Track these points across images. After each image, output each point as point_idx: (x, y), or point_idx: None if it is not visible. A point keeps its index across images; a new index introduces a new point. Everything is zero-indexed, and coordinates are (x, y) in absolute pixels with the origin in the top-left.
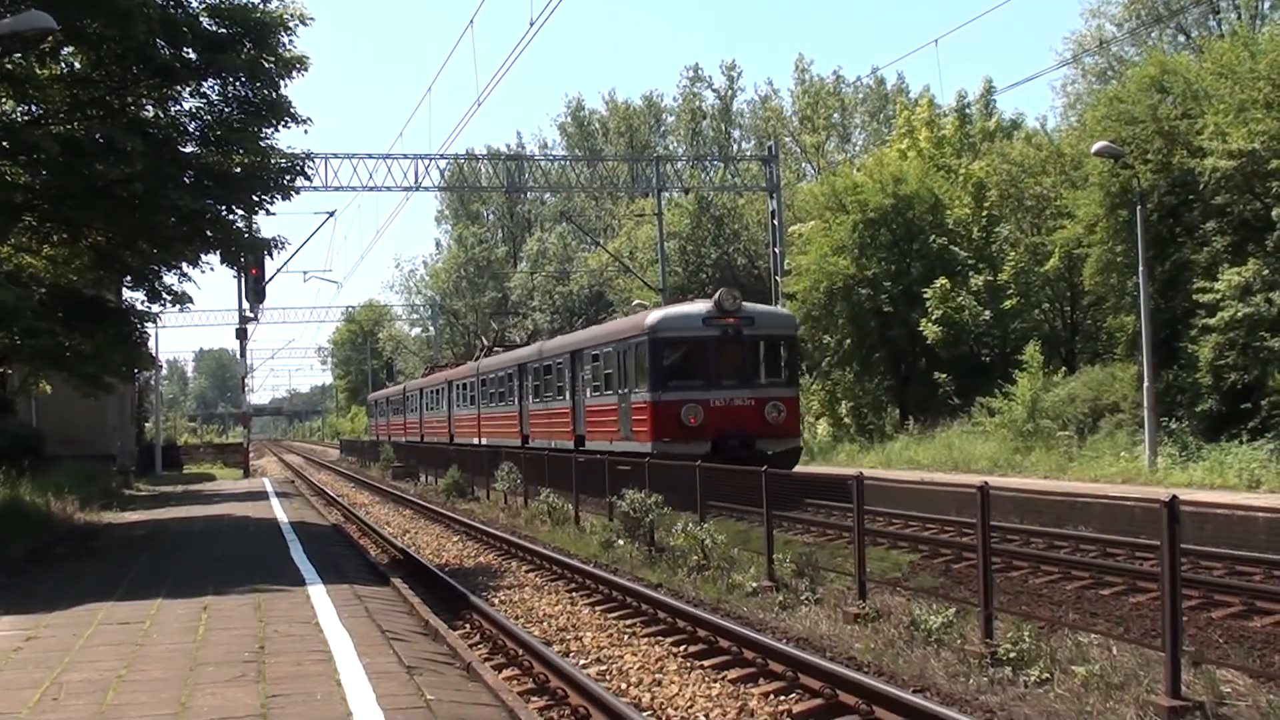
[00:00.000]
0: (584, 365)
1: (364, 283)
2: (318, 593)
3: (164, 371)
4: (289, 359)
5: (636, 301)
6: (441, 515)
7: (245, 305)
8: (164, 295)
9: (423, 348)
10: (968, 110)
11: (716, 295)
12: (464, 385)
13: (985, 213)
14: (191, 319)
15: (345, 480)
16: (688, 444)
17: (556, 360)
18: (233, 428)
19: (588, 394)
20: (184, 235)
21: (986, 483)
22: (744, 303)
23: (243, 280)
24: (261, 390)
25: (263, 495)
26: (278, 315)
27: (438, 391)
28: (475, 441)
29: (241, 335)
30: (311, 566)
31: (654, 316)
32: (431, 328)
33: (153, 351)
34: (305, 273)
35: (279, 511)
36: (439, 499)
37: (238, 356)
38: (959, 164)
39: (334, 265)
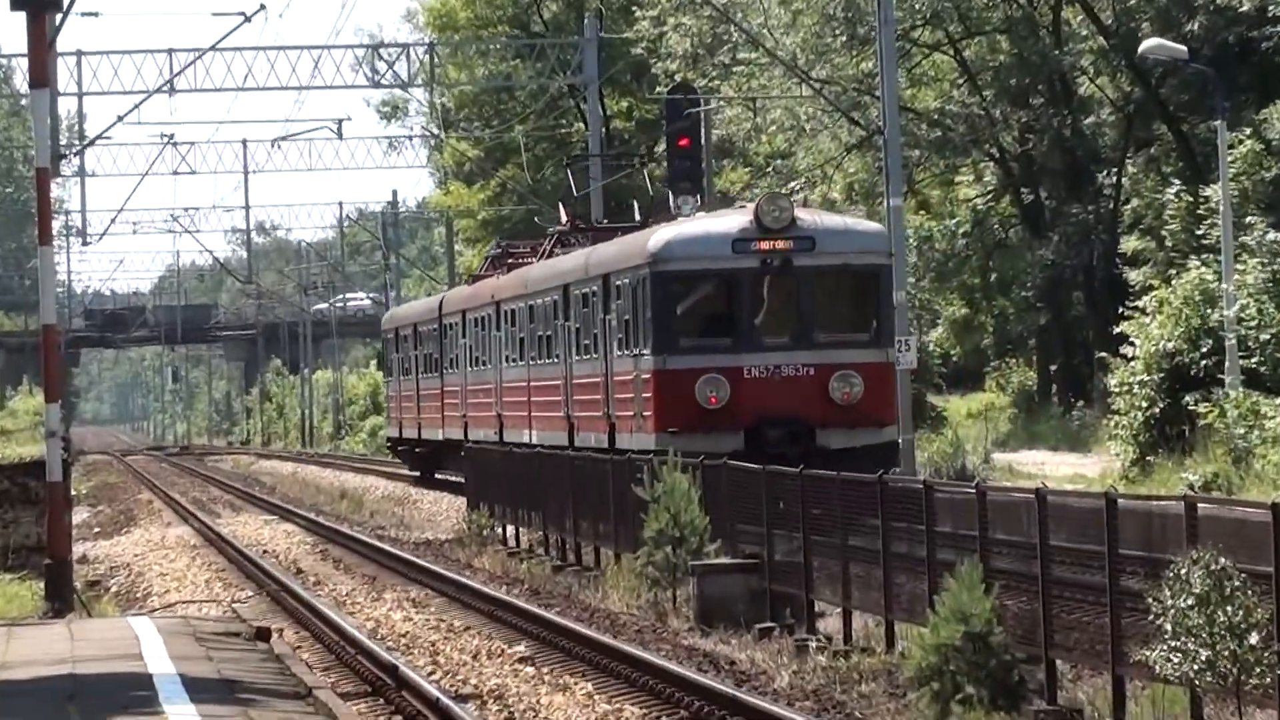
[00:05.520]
0: (613, 302)
1: None
2: None
3: None
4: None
5: None
6: None
7: None
8: None
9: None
10: None
11: (757, 203)
12: (511, 314)
13: None
14: None
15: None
16: (707, 436)
17: (590, 288)
18: None
19: (614, 351)
20: None
21: None
22: (801, 213)
23: None
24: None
25: None
26: None
27: (483, 321)
28: (526, 437)
29: None
30: None
31: (659, 237)
32: None
33: None
34: None
35: None
36: None
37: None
38: None
39: None
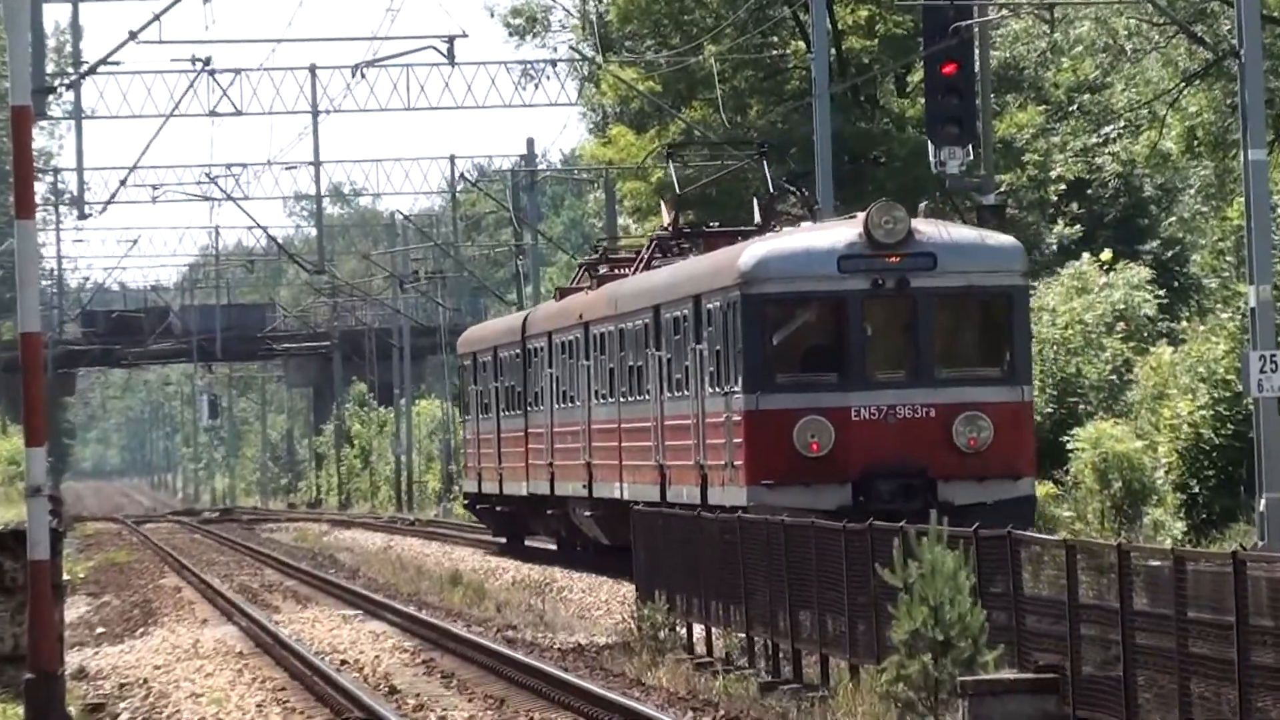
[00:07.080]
0: (704, 329)
1: None
2: None
3: None
4: None
5: None
6: None
7: None
8: None
9: None
10: None
11: (867, 213)
12: (600, 339)
13: None
14: None
15: None
16: (807, 489)
17: (681, 310)
18: None
19: (706, 388)
20: None
21: None
22: (919, 225)
23: None
24: None
25: None
26: None
27: (569, 347)
28: (616, 491)
29: None
30: None
31: (752, 253)
32: None
33: None
34: None
35: None
36: None
37: None
38: None
39: None
